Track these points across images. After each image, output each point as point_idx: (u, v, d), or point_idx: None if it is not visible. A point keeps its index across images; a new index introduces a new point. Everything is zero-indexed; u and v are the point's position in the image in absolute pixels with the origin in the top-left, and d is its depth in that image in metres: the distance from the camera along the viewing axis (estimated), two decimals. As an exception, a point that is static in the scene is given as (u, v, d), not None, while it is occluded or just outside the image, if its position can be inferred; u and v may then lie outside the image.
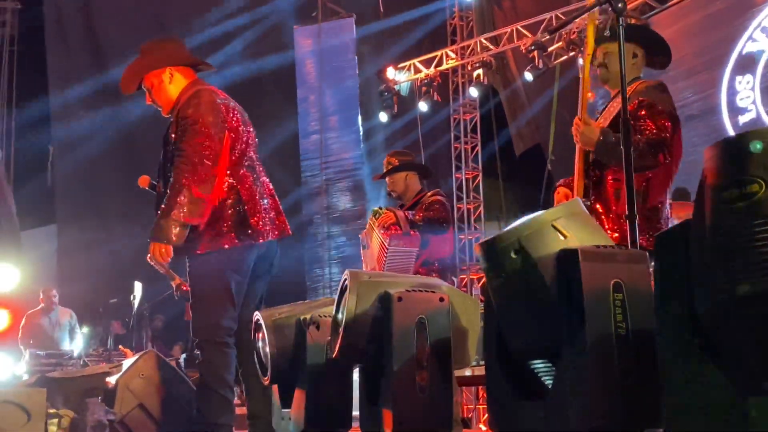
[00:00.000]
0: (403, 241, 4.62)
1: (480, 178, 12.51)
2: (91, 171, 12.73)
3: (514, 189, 12.96)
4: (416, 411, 2.37)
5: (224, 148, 3.52)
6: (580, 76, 3.48)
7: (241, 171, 3.62)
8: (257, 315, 3.53)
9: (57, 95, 12.76)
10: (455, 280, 6.00)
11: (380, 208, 4.81)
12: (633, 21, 3.63)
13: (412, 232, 4.66)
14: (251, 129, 3.79)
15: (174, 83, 3.75)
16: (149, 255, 3.50)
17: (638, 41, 3.53)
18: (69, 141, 12.67)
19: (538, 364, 2.01)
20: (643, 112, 3.31)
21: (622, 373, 1.77)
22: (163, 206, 3.44)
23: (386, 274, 2.91)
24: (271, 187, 3.83)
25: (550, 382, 2.03)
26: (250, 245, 3.60)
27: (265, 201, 3.70)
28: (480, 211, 12.36)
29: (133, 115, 11.91)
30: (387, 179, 5.16)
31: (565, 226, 1.98)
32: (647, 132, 3.23)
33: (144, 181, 3.91)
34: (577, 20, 9.34)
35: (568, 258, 1.88)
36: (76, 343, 9.27)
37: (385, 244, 4.60)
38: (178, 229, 3.40)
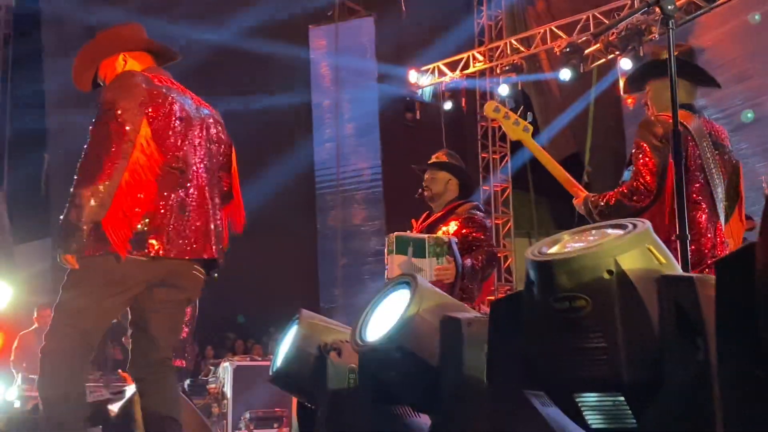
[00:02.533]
0: None
1: (509, 190, 12.53)
2: (88, 181, 12.82)
3: (546, 203, 12.97)
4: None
5: (140, 138, 3.18)
6: (540, 157, 3.83)
7: (163, 171, 3.25)
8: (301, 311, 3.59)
9: (53, 100, 12.90)
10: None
11: (444, 241, 4.42)
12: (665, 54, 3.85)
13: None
14: (205, 132, 3.44)
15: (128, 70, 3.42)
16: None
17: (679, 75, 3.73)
18: (65, 149, 12.79)
19: (590, 397, 2.01)
20: (632, 156, 3.63)
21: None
22: (66, 207, 3.14)
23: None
24: (211, 202, 3.41)
25: (597, 416, 2.03)
26: (143, 260, 3.19)
27: (187, 213, 3.29)
28: (509, 227, 12.37)
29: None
30: (427, 173, 4.93)
31: (658, 250, 1.98)
32: (636, 177, 3.56)
33: None
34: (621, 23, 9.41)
35: (680, 284, 1.89)
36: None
37: None
38: (77, 234, 3.08)
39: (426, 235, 4.48)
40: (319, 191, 12.61)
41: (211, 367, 7.91)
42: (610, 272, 1.93)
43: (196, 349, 12.89)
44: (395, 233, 4.54)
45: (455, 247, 4.44)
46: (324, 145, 12.72)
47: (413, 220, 4.98)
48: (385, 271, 4.54)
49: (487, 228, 4.77)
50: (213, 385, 7.12)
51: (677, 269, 2.03)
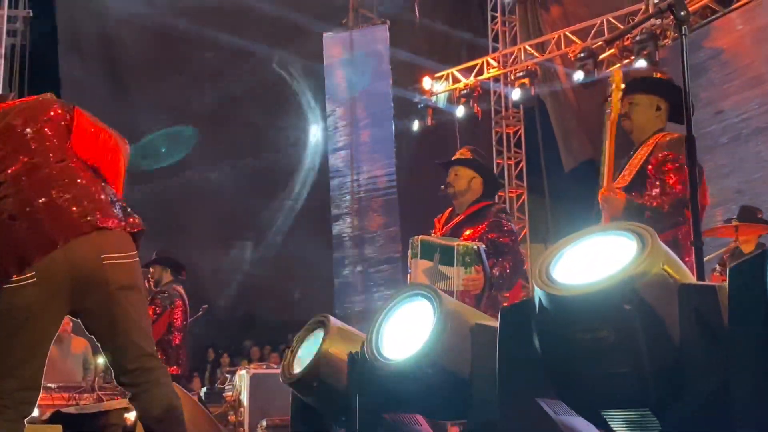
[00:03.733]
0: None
1: (525, 196, 12.50)
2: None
3: (562, 209, 12.91)
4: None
5: None
6: (605, 144, 3.69)
7: None
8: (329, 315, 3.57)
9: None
10: None
11: (473, 249, 4.25)
12: (658, 75, 3.83)
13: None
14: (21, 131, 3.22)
15: None
16: None
17: (663, 94, 3.70)
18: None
19: (616, 411, 2.01)
20: (668, 167, 3.56)
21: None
22: None
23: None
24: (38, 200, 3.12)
25: (622, 425, 2.04)
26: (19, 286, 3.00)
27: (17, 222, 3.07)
28: (525, 233, 12.33)
29: (147, 128, 12.14)
30: (450, 170, 4.75)
31: (672, 267, 1.95)
32: (673, 188, 3.51)
33: None
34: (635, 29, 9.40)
35: (701, 293, 1.91)
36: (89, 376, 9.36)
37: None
38: None
39: (455, 243, 4.31)
40: (333, 198, 12.63)
41: (228, 375, 7.94)
42: (630, 302, 1.89)
43: (213, 357, 12.94)
44: (420, 237, 4.40)
45: (484, 256, 4.28)
46: (339, 152, 12.75)
47: (436, 219, 4.82)
48: (408, 275, 4.43)
49: (514, 233, 4.63)
50: (229, 393, 7.14)
51: (692, 280, 2.02)
